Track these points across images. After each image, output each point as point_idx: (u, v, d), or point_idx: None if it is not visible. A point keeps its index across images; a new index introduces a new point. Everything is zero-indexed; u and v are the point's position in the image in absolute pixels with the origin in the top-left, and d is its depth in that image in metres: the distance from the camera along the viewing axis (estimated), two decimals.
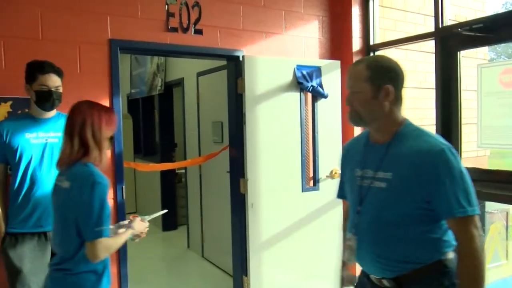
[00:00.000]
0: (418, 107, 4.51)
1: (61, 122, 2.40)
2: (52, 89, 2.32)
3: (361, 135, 1.73)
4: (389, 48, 3.93)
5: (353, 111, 1.59)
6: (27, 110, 2.48)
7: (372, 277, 1.63)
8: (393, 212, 1.52)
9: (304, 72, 3.55)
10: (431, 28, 3.30)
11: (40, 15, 2.70)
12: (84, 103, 1.81)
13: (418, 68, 4.46)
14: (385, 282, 1.57)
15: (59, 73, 2.36)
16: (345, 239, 1.74)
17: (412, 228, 1.50)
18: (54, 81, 2.33)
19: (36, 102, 2.33)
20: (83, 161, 1.74)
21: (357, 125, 1.64)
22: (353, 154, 1.72)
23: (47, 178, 2.32)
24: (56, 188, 1.82)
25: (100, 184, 1.68)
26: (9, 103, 2.61)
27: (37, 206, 2.30)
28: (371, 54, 3.83)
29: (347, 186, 1.75)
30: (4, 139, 2.27)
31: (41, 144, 2.33)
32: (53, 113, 2.41)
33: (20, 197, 2.29)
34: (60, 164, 1.79)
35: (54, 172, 2.32)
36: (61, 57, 2.65)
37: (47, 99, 2.32)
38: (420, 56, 4.43)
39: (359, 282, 1.71)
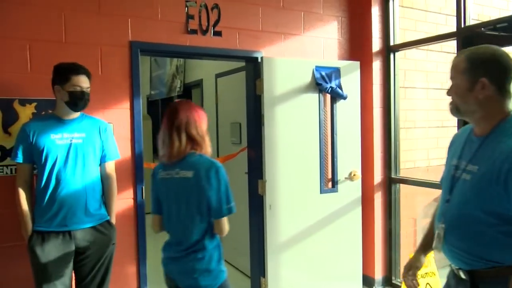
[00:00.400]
0: (439, 109, 4.45)
1: (85, 123, 2.45)
2: (84, 90, 2.37)
3: (469, 126, 1.72)
4: (409, 48, 3.89)
5: (452, 102, 1.60)
6: (50, 111, 2.53)
7: (452, 266, 1.64)
8: (472, 206, 1.50)
9: (323, 73, 3.53)
10: (453, 28, 3.25)
11: (63, 18, 2.76)
12: (184, 103, 2.08)
13: (439, 69, 4.39)
14: (461, 274, 1.57)
15: (88, 74, 2.42)
16: (433, 226, 1.75)
17: (492, 226, 1.46)
18: (85, 82, 2.38)
19: (68, 103, 2.36)
20: (197, 151, 2.01)
21: (456, 117, 1.65)
22: (456, 144, 1.72)
23: (72, 178, 2.36)
24: (170, 180, 2.02)
25: (221, 168, 1.98)
26: (34, 104, 2.68)
27: (63, 206, 2.33)
28: (391, 55, 3.79)
29: (444, 174, 1.75)
30: (31, 140, 2.31)
31: (66, 144, 2.36)
32: (77, 114, 2.45)
33: (46, 197, 2.32)
34: (170, 157, 2.00)
35: (79, 172, 2.37)
36: (83, 59, 2.69)
37: (80, 100, 2.37)
38: (441, 56, 4.37)
39: (451, 270, 1.70)
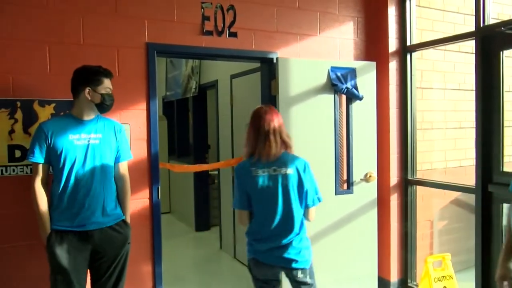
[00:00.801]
0: (457, 109, 4.39)
1: (101, 124, 2.47)
2: (111, 93, 2.46)
3: None
4: (426, 49, 3.85)
5: None
6: (67, 111, 2.55)
7: None
8: None
9: (339, 74, 3.51)
10: (472, 28, 3.20)
11: (82, 21, 2.80)
12: (272, 110, 2.42)
13: (457, 69, 4.33)
14: None
15: (113, 77, 2.51)
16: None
17: None
18: (111, 85, 2.47)
19: (100, 104, 2.42)
20: (288, 151, 2.37)
21: None
22: None
23: (90, 179, 2.38)
24: (267, 177, 2.31)
25: (309, 164, 2.38)
26: (53, 105, 2.73)
27: (82, 206, 2.36)
28: (408, 55, 3.75)
29: None
30: (49, 140, 2.33)
31: (84, 145, 2.38)
32: (94, 115, 2.47)
33: (66, 198, 2.34)
34: (268, 157, 2.31)
35: (97, 172, 2.40)
36: (101, 61, 2.73)
37: (111, 101, 2.46)
38: (459, 56, 4.30)
39: None
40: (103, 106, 2.44)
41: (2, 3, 2.59)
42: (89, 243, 2.39)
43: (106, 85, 2.42)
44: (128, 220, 2.59)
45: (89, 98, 2.39)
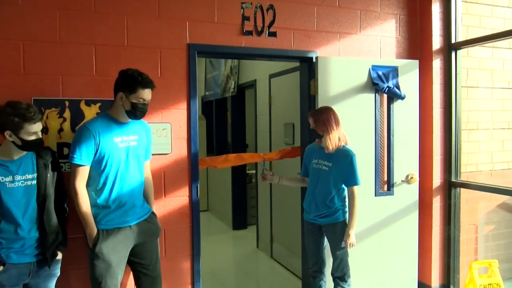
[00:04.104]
0: (506, 109, 4.19)
1: (136, 126, 2.54)
2: (146, 102, 2.42)
3: None
4: (473, 46, 3.70)
5: None
6: (105, 111, 2.57)
7: None
8: None
9: (380, 73, 3.44)
10: None
11: (126, 23, 2.89)
12: (331, 109, 2.95)
13: (506, 67, 4.14)
14: None
15: (153, 87, 2.45)
16: None
17: None
18: (149, 95, 2.42)
19: (129, 112, 2.40)
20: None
21: None
22: None
23: (131, 179, 2.47)
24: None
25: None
26: (98, 104, 2.82)
27: (124, 205, 2.44)
28: (452, 53, 3.62)
29: None
30: (97, 142, 2.35)
31: (126, 147, 2.45)
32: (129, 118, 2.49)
33: (111, 199, 2.41)
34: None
35: (136, 172, 2.49)
36: (144, 62, 2.82)
37: (141, 112, 2.41)
38: (509, 53, 4.12)
39: None
40: (132, 114, 2.40)
41: (52, 9, 2.71)
42: (132, 237, 2.48)
43: (139, 95, 2.35)
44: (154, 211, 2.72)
45: (121, 103, 2.39)
